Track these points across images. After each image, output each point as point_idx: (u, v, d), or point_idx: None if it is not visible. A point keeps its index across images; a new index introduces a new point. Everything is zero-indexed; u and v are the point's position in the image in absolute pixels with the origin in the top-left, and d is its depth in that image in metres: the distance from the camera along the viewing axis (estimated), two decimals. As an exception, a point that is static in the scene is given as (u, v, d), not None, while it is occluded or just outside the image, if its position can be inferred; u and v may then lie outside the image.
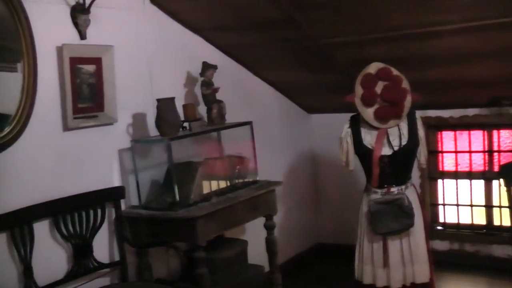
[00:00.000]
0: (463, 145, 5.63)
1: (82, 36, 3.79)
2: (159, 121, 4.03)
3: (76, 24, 3.77)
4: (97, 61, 3.83)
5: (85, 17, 3.78)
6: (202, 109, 4.60)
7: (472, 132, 5.57)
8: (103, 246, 3.94)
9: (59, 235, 3.63)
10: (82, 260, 3.72)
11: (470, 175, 5.64)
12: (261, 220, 4.53)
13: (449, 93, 5.12)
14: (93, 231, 3.81)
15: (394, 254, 3.92)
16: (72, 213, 3.69)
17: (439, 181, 5.78)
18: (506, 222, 5.42)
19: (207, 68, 4.47)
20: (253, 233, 4.90)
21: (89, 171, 3.87)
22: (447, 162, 5.76)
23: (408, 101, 3.88)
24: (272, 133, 5.70)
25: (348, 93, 3.97)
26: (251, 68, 5.40)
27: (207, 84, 4.47)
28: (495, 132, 5.46)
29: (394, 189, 3.93)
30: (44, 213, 3.54)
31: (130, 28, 4.20)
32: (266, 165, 4.96)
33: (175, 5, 4.43)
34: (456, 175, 5.70)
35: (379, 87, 3.90)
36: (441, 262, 4.79)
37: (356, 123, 4.01)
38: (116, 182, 4.07)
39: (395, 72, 3.92)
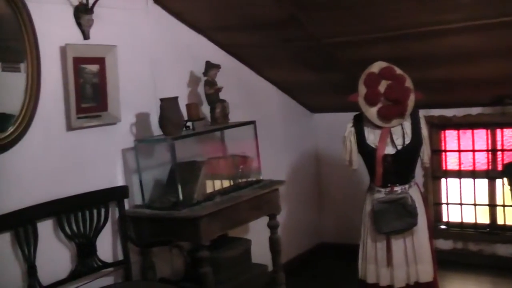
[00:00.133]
0: (466, 144, 5.63)
1: (86, 36, 3.80)
2: (163, 121, 4.03)
3: (79, 24, 3.77)
4: (100, 61, 3.83)
5: (88, 17, 3.78)
6: (205, 109, 4.60)
7: (475, 131, 5.57)
8: (106, 246, 3.94)
9: (63, 234, 3.63)
10: (86, 259, 3.73)
11: (473, 174, 5.63)
12: (264, 220, 4.53)
13: (452, 92, 5.11)
14: (96, 231, 3.81)
15: (397, 253, 3.91)
16: (75, 212, 3.69)
17: (443, 180, 5.78)
18: (509, 221, 5.44)
19: (211, 67, 4.48)
20: (257, 233, 4.90)
21: (93, 171, 3.88)
22: (451, 161, 5.76)
23: (411, 100, 3.87)
24: (275, 132, 5.70)
25: (351, 93, 3.97)
26: (254, 67, 5.40)
27: (211, 84, 4.47)
28: (498, 131, 5.46)
29: (397, 188, 3.93)
30: (48, 212, 3.55)
31: (133, 28, 4.20)
32: (269, 164, 4.96)
33: (179, 5, 4.43)
34: (459, 174, 5.69)
35: (382, 86, 3.89)
36: (444, 261, 4.80)
37: (360, 122, 4.01)
38: (119, 181, 4.07)
39: (398, 71, 3.92)
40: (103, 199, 3.87)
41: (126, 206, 4.04)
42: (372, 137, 3.95)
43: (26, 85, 3.41)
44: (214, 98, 4.48)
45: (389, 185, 3.93)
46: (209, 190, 4.15)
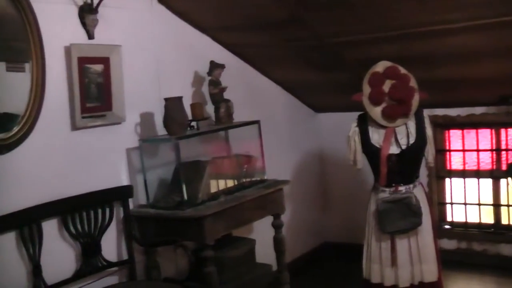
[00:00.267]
0: (470, 143, 5.62)
1: (90, 36, 3.81)
2: (167, 120, 4.04)
3: (84, 24, 3.78)
4: (105, 61, 3.84)
5: (93, 17, 3.79)
6: (209, 108, 4.61)
7: (479, 130, 5.55)
8: (111, 245, 3.95)
9: (67, 234, 3.64)
10: (90, 259, 3.74)
11: (477, 173, 5.62)
12: (269, 219, 4.53)
13: (456, 92, 5.10)
14: (101, 230, 3.82)
15: (402, 253, 3.91)
16: (80, 212, 3.70)
17: (447, 180, 5.77)
18: (514, 221, 5.42)
19: (215, 67, 4.48)
20: (261, 232, 4.90)
21: (97, 170, 3.89)
22: (455, 161, 5.75)
23: (415, 100, 3.87)
24: (279, 132, 5.70)
25: (355, 92, 3.97)
26: (258, 67, 5.40)
27: (215, 83, 4.48)
28: (503, 131, 5.44)
29: (402, 188, 3.93)
30: (53, 212, 3.56)
31: (138, 28, 4.21)
32: (273, 164, 4.96)
33: (183, 5, 4.44)
34: (463, 173, 5.68)
35: (386, 86, 3.89)
36: (449, 261, 4.78)
37: (364, 122, 4.01)
38: (124, 181, 4.08)
39: (402, 70, 3.92)
40: (107, 198, 3.88)
41: (131, 206, 4.05)
42: (376, 136, 3.95)
43: (31, 85, 3.42)
44: (218, 97, 4.48)
45: (393, 184, 3.93)
46: (213, 189, 4.15)
